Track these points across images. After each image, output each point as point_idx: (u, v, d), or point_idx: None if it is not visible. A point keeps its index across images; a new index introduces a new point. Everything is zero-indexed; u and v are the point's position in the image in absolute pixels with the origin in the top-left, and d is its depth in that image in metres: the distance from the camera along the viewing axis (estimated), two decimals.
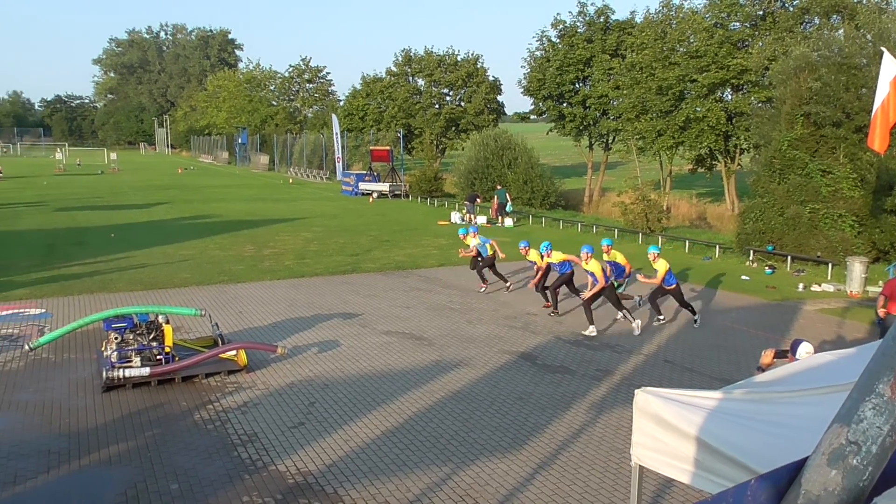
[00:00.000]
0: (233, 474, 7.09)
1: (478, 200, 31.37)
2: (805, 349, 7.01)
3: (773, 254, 20.09)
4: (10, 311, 13.30)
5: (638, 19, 40.67)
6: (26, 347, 10.29)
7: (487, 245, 15.79)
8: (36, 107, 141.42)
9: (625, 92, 36.94)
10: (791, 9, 32.20)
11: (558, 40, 43.94)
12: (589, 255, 12.76)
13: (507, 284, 15.84)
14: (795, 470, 1.64)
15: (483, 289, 15.82)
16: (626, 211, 26.96)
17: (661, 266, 12.96)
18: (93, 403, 8.89)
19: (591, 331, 12.54)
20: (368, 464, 7.38)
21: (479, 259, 15.90)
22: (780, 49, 28.17)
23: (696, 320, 13.24)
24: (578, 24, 43.06)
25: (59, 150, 73.16)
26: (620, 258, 13.92)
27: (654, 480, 6.82)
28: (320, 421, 8.47)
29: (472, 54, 55.77)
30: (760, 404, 3.60)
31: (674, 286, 13.05)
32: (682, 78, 33.26)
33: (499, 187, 32.06)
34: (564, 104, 43.91)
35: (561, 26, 43.66)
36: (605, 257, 13.77)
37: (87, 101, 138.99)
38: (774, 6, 32.59)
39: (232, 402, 9.02)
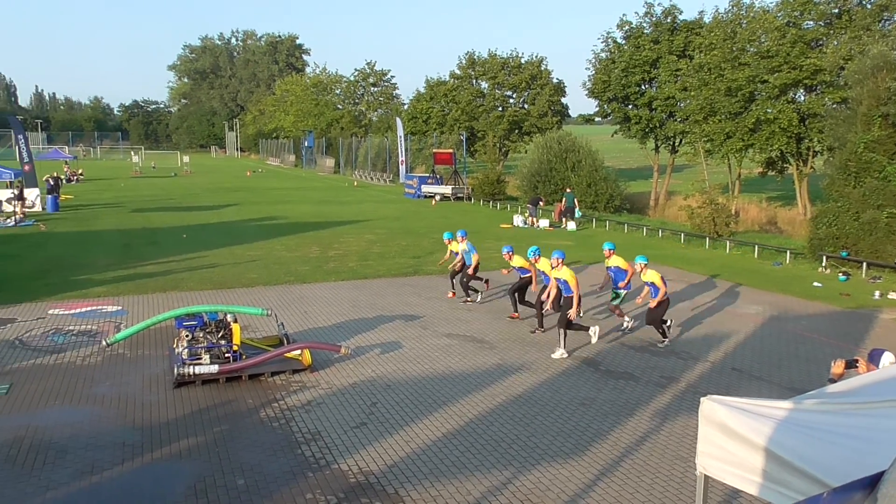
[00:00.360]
0: (296, 471, 7.23)
1: (541, 203, 31.18)
2: (889, 359, 6.74)
3: (847, 260, 19.39)
4: (89, 308, 13.88)
5: (706, 19, 39.90)
6: (104, 343, 10.76)
7: (473, 254, 14.87)
8: (115, 112, 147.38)
9: (692, 93, 36.20)
10: (869, 6, 31.01)
11: (624, 41, 43.45)
12: (560, 260, 11.86)
13: (469, 299, 15.00)
14: (871, 484, 1.60)
15: (477, 298, 15.05)
16: (693, 215, 26.42)
17: (653, 276, 11.98)
18: (165, 398, 9.20)
19: (595, 334, 11.93)
20: (429, 465, 7.42)
21: (464, 267, 15.03)
22: (857, 48, 27.20)
23: (664, 341, 12.11)
24: (645, 24, 42.52)
25: (135, 153, 75.88)
26: (623, 263, 12.83)
27: (720, 491, 6.67)
28: (382, 421, 8.57)
29: (536, 56, 55.58)
30: (833, 415, 3.49)
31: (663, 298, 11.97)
32: (753, 79, 32.40)
33: (567, 190, 31.69)
34: (630, 106, 43.36)
35: (627, 27, 43.20)
36: (606, 262, 13.03)
37: (162, 105, 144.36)
38: (851, 4, 31.44)
39: (296, 401, 9.20)
